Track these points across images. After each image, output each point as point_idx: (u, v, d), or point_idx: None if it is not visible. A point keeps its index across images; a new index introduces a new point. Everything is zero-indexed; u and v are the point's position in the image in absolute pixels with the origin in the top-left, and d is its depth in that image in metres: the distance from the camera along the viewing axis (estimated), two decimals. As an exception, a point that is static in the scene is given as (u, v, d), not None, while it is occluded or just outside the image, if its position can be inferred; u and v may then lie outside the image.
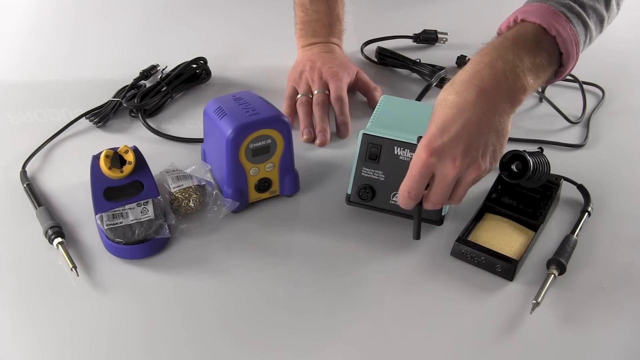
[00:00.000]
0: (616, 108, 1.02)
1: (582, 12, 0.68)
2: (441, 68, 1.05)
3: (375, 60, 1.12)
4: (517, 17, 0.68)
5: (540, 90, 1.02)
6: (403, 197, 0.67)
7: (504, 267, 0.70)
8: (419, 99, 0.99)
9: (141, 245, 0.71)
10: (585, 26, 0.69)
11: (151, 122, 0.95)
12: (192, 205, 0.77)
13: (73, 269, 0.69)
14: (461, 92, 0.63)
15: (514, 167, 0.75)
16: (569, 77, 1.05)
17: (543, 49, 0.66)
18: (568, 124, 0.97)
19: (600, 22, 0.71)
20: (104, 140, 0.91)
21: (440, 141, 0.62)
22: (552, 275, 0.69)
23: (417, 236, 0.69)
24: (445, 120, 0.63)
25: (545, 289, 0.68)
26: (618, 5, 0.73)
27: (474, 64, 0.65)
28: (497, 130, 0.64)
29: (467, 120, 0.62)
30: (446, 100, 0.64)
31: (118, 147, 0.79)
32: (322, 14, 1.03)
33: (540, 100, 1.01)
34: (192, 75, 1.03)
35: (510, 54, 0.64)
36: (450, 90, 0.64)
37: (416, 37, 1.16)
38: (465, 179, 0.65)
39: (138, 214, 0.73)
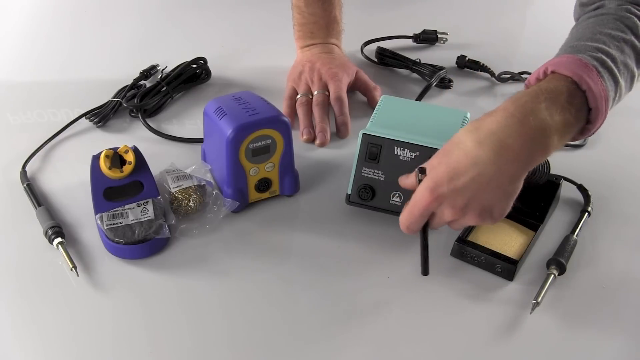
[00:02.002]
0: (616, 108, 1.01)
1: (614, 68, 0.65)
2: (441, 68, 1.05)
3: (375, 60, 1.12)
4: (547, 69, 0.65)
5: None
6: (402, 228, 0.66)
7: (504, 267, 0.70)
8: (419, 99, 0.99)
9: (141, 245, 0.71)
10: (616, 82, 0.65)
11: (151, 122, 0.95)
12: (192, 205, 0.77)
13: (73, 269, 0.69)
14: (483, 143, 0.60)
15: (514, 167, 0.75)
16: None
17: (573, 106, 0.62)
18: (568, 124, 0.97)
19: (631, 78, 0.68)
20: (104, 140, 0.91)
21: (446, 188, 0.61)
22: (552, 275, 0.69)
23: (426, 271, 0.67)
24: (457, 168, 0.61)
25: (545, 289, 0.68)
26: None
27: (505, 114, 0.61)
28: (506, 191, 0.62)
29: (478, 175, 0.60)
30: (464, 145, 0.61)
31: (118, 147, 0.79)
32: (318, 17, 1.03)
33: (540, 100, 1.01)
34: (192, 75, 1.03)
35: (544, 110, 0.60)
36: (474, 136, 0.61)
37: (416, 37, 1.16)
38: (460, 223, 0.65)
39: (138, 214, 0.73)
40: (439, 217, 0.64)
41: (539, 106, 0.61)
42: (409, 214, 0.65)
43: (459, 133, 0.63)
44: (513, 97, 0.63)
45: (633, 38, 0.68)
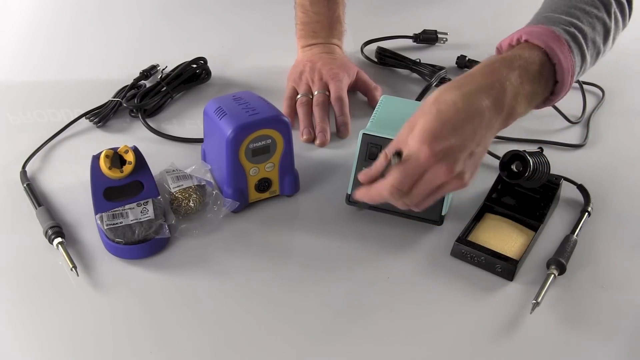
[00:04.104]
0: (616, 108, 1.02)
1: (584, 44, 0.67)
2: (441, 68, 1.05)
3: (375, 60, 1.12)
4: (521, 37, 0.66)
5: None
6: (392, 192, 0.62)
7: (504, 267, 0.70)
8: (419, 99, 0.99)
9: (141, 245, 0.71)
10: (583, 58, 0.68)
11: (151, 122, 0.95)
12: (192, 205, 0.77)
13: (73, 269, 0.69)
14: (472, 100, 0.60)
15: (514, 167, 0.75)
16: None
17: (542, 77, 0.65)
18: (568, 124, 0.97)
19: (597, 54, 0.71)
20: (104, 140, 0.91)
21: (448, 143, 0.59)
22: (552, 275, 0.69)
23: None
24: (456, 119, 0.60)
25: (545, 289, 0.68)
26: (614, 40, 0.73)
27: (483, 75, 0.62)
28: (485, 146, 0.63)
29: (478, 123, 0.60)
30: (454, 103, 0.60)
31: (118, 147, 0.79)
32: (322, 16, 1.03)
33: (540, 100, 1.01)
34: (192, 75, 1.03)
35: (517, 77, 0.62)
36: (458, 93, 0.60)
37: (416, 37, 1.16)
38: (446, 186, 0.63)
39: (138, 214, 0.73)
40: (428, 180, 0.61)
41: (514, 74, 0.62)
42: (402, 172, 0.60)
43: (435, 95, 0.62)
44: (488, 61, 0.64)
45: (605, 16, 0.70)
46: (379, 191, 0.63)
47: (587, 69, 0.71)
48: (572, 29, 0.67)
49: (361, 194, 0.65)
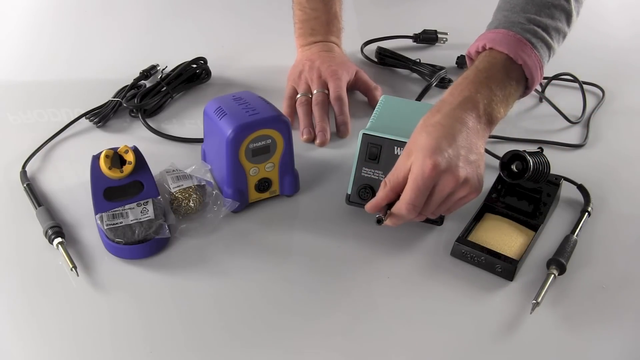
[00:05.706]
0: (616, 108, 1.02)
1: (546, 36, 0.71)
2: (441, 68, 1.05)
3: (375, 60, 1.12)
4: (485, 45, 0.71)
5: (539, 90, 1.02)
6: (408, 210, 0.66)
7: (504, 267, 0.70)
8: (419, 99, 0.99)
9: (141, 245, 0.71)
10: (549, 48, 0.72)
11: (151, 122, 0.95)
12: (192, 205, 0.77)
13: (73, 269, 0.69)
14: (454, 116, 0.66)
15: (514, 167, 0.75)
16: (569, 77, 1.05)
17: (512, 79, 0.70)
18: (568, 124, 0.97)
19: (563, 38, 0.75)
20: (104, 140, 0.91)
21: (446, 154, 0.64)
22: (552, 275, 0.69)
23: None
24: (446, 135, 0.65)
25: (545, 289, 0.68)
26: (578, 14, 0.76)
27: (454, 97, 0.68)
28: (479, 152, 0.67)
29: (466, 134, 0.66)
30: (438, 123, 0.66)
31: (118, 147, 0.79)
32: (319, 12, 1.03)
33: (540, 100, 1.01)
34: (192, 75, 1.03)
35: (485, 87, 0.68)
36: (439, 116, 0.66)
37: (416, 37, 1.16)
38: (457, 194, 0.67)
39: (138, 214, 0.73)
40: (440, 189, 0.65)
41: (480, 86, 0.68)
42: (414, 189, 0.65)
43: (416, 128, 0.67)
44: (456, 83, 0.69)
45: (562, 1, 0.73)
46: (398, 211, 0.67)
47: (556, 51, 0.75)
48: (531, 26, 0.71)
49: (388, 223, 0.69)
